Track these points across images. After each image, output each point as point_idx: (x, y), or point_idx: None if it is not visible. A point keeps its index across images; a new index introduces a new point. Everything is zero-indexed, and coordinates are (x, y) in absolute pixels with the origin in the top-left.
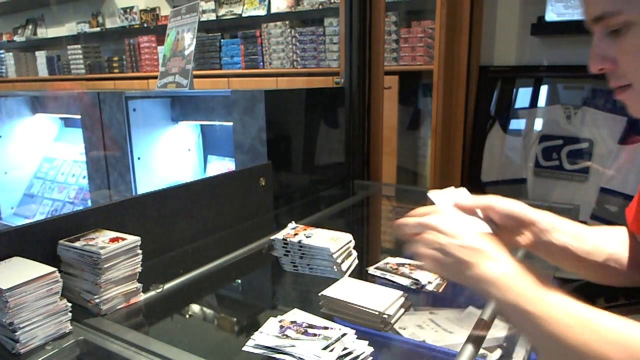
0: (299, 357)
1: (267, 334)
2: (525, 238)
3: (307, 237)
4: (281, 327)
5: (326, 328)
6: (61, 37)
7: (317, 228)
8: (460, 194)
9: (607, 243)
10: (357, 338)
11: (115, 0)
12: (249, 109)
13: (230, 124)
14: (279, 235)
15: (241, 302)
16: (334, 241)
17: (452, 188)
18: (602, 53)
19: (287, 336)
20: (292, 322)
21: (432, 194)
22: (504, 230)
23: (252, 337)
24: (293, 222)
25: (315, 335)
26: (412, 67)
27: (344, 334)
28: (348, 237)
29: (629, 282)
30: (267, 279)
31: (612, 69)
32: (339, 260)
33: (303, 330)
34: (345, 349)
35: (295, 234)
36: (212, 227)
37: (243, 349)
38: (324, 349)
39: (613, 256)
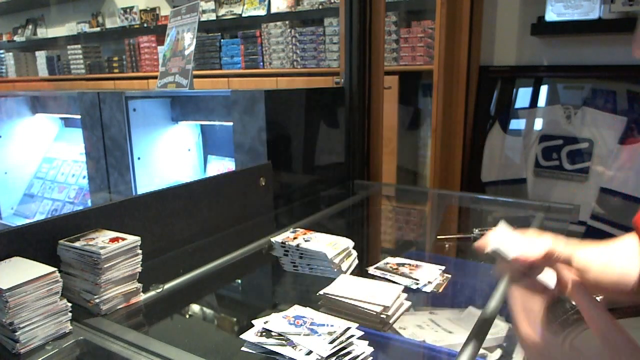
0: (297, 351)
1: (264, 330)
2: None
3: (305, 241)
4: (266, 330)
5: (328, 325)
6: (61, 37)
7: (317, 232)
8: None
9: (630, 269)
10: (357, 338)
11: (115, 0)
12: (249, 109)
13: (230, 124)
14: (278, 238)
15: (241, 302)
16: (332, 246)
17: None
18: None
19: (285, 333)
20: (294, 317)
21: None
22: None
23: (249, 336)
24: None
25: (304, 322)
26: (412, 67)
27: (348, 328)
28: (347, 242)
29: None
30: (267, 278)
31: None
32: (336, 261)
33: (301, 323)
34: (344, 348)
35: (295, 238)
36: (212, 227)
37: (242, 348)
38: (325, 342)
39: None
